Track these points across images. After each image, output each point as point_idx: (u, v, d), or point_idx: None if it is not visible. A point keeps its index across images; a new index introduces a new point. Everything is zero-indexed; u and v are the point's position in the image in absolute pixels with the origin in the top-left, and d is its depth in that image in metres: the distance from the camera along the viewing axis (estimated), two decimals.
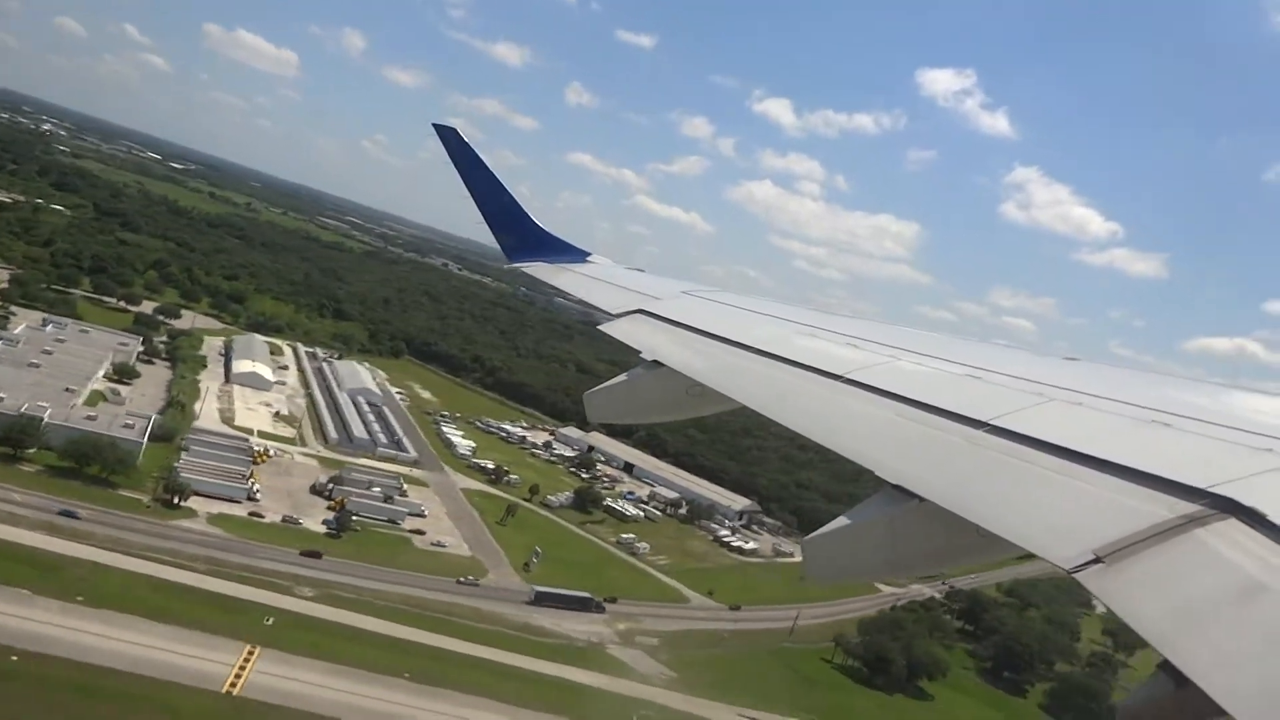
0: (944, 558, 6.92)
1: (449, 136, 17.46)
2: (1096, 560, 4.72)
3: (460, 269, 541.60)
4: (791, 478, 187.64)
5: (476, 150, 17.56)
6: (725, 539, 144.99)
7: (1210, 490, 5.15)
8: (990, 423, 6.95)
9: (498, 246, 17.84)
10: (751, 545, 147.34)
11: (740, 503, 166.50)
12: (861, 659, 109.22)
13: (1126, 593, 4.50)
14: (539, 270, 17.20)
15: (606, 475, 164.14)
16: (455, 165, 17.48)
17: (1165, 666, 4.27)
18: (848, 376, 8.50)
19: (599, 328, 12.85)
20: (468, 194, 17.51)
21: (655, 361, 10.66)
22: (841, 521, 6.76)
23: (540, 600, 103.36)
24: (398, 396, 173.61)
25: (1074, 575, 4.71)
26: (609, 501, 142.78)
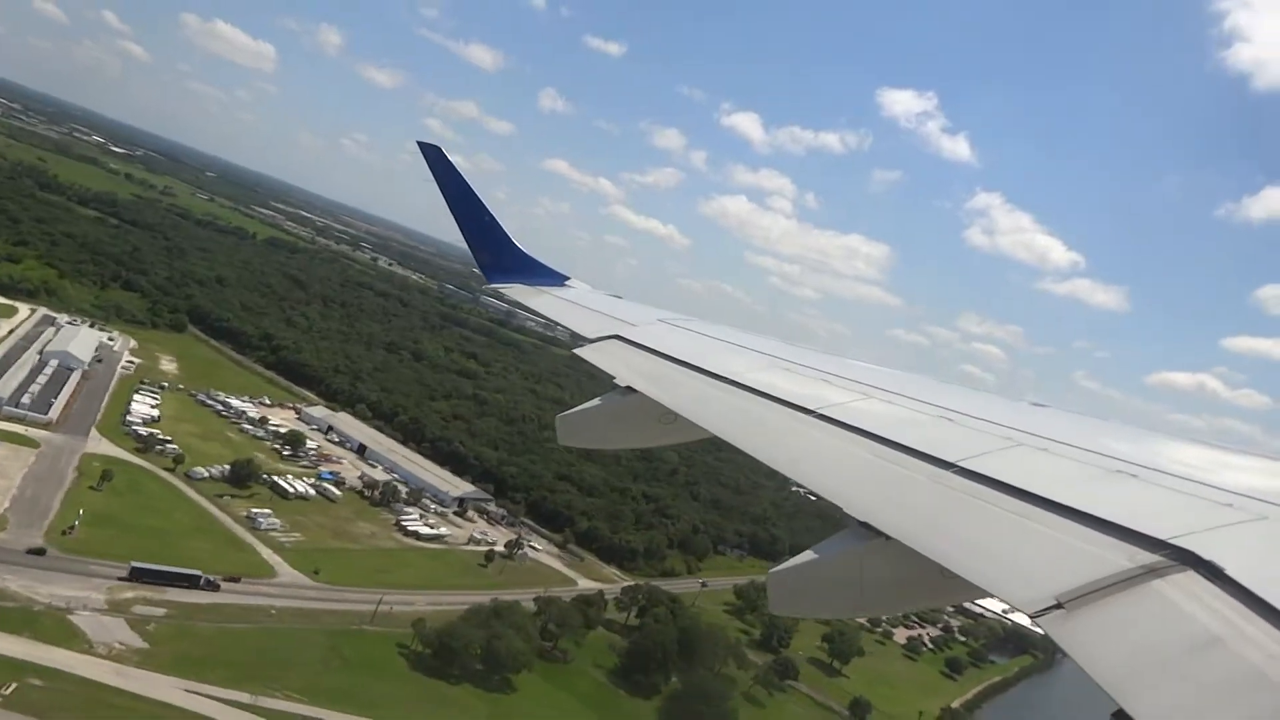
0: (908, 596, 7.11)
1: (433, 155, 17.35)
2: (1058, 606, 4.88)
3: (391, 263, 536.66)
4: (555, 470, 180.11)
5: (459, 170, 17.55)
6: (407, 523, 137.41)
7: (1171, 542, 5.29)
8: (958, 464, 7.07)
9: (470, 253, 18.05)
10: (439, 531, 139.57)
11: (463, 489, 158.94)
12: (431, 647, 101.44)
13: (1085, 639, 4.62)
14: (517, 292, 17.39)
15: (327, 454, 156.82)
16: (438, 183, 17.40)
17: (1119, 715, 4.36)
18: (819, 412, 8.70)
19: (575, 352, 13.08)
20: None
21: (628, 388, 10.89)
22: (808, 555, 6.87)
23: (137, 576, 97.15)
24: (124, 365, 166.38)
25: (1035, 620, 4.85)
26: (276, 479, 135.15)
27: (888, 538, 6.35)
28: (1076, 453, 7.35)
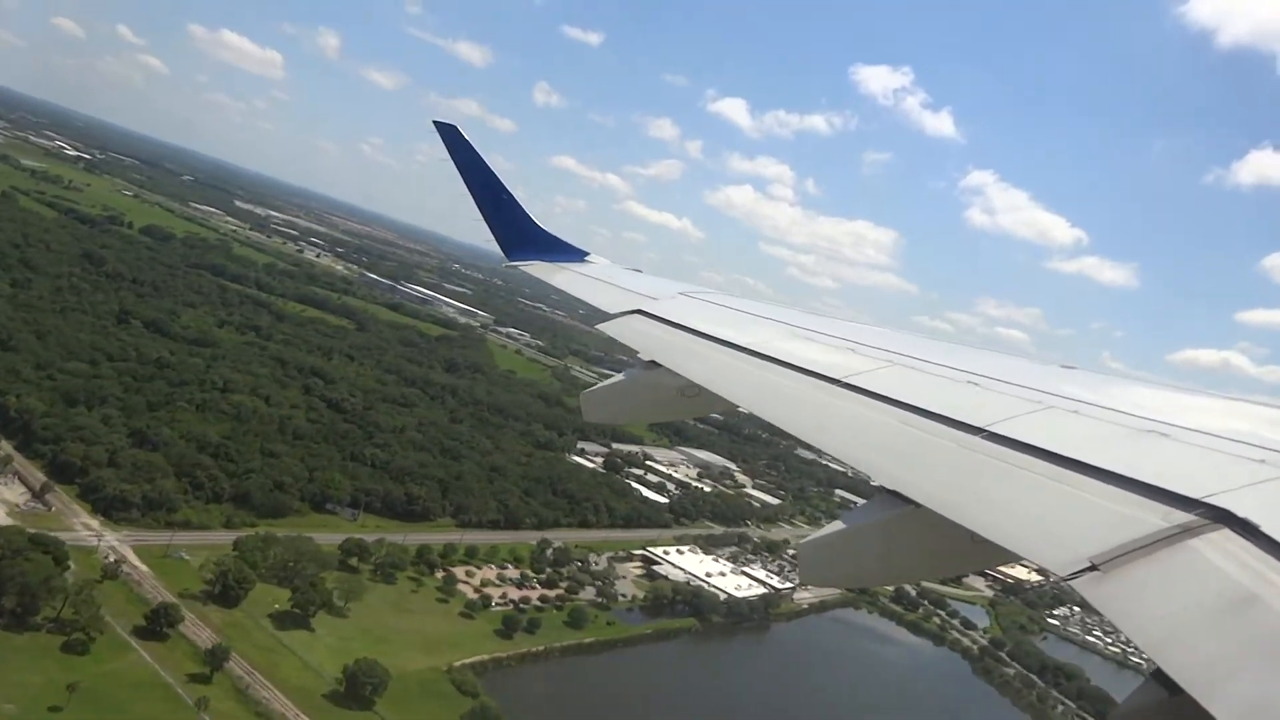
0: (937, 564, 7.33)
1: (449, 134, 18.15)
2: (1092, 568, 4.93)
3: (319, 255, 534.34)
4: (136, 425, 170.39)
5: (475, 149, 18.15)
6: None
7: (1205, 500, 5.35)
8: (986, 429, 7.12)
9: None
10: None
11: None
12: None
13: (1121, 601, 4.70)
14: (537, 269, 17.87)
15: None
16: (455, 162, 18.01)
17: (1157, 675, 4.50)
18: (845, 381, 8.81)
19: (597, 328, 13.66)
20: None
21: (652, 362, 11.31)
22: (836, 526, 7.02)
23: None
24: None
25: (1069, 583, 4.93)
26: None
27: (916, 505, 6.30)
28: (1108, 413, 7.22)
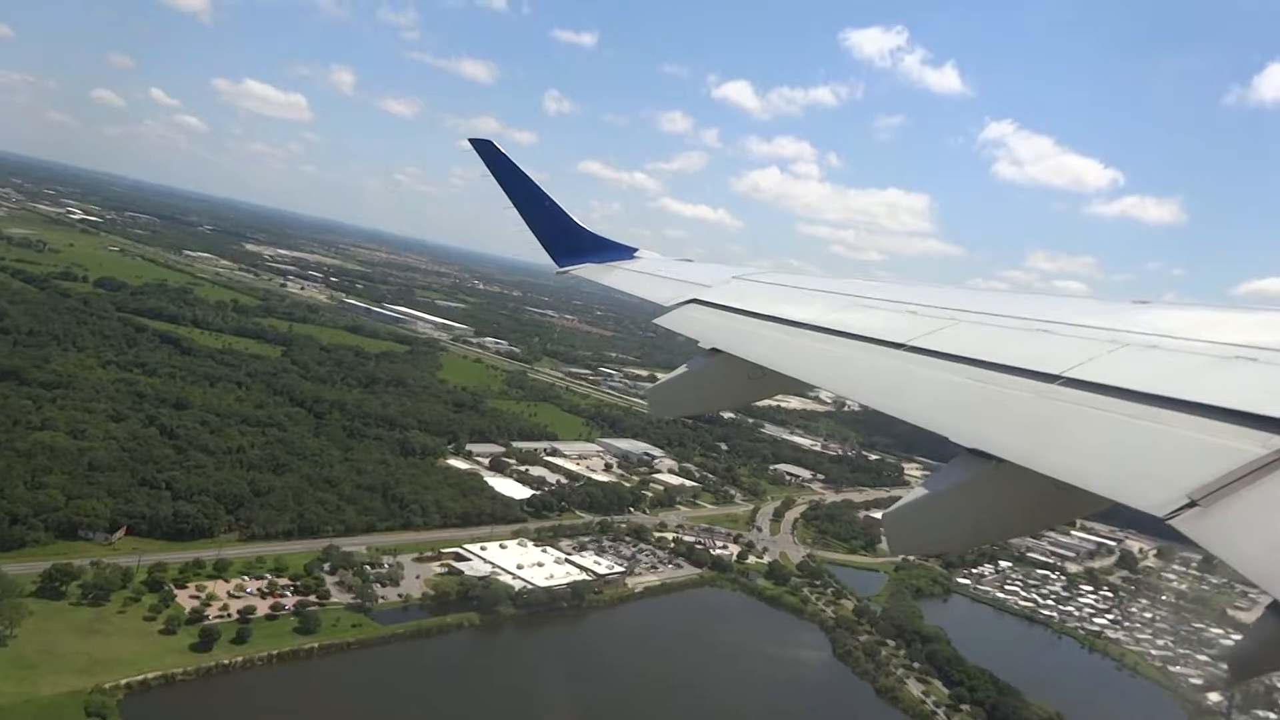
0: (1028, 519, 6.99)
1: (485, 149, 18.20)
2: (1191, 504, 4.77)
3: (302, 287, 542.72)
4: None
5: (513, 161, 18.19)
6: None
7: None
8: (1063, 375, 6.94)
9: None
10: None
11: None
12: None
13: (1226, 535, 4.53)
14: (587, 271, 17.87)
15: None
16: (495, 177, 18.07)
17: (1275, 607, 4.39)
18: (910, 344, 8.64)
19: (655, 322, 13.29)
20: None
21: (714, 349, 11.24)
22: (920, 491, 6.86)
23: None
24: None
25: (1168, 522, 4.76)
26: None
27: (999, 461, 6.17)
28: (1188, 344, 7.02)
